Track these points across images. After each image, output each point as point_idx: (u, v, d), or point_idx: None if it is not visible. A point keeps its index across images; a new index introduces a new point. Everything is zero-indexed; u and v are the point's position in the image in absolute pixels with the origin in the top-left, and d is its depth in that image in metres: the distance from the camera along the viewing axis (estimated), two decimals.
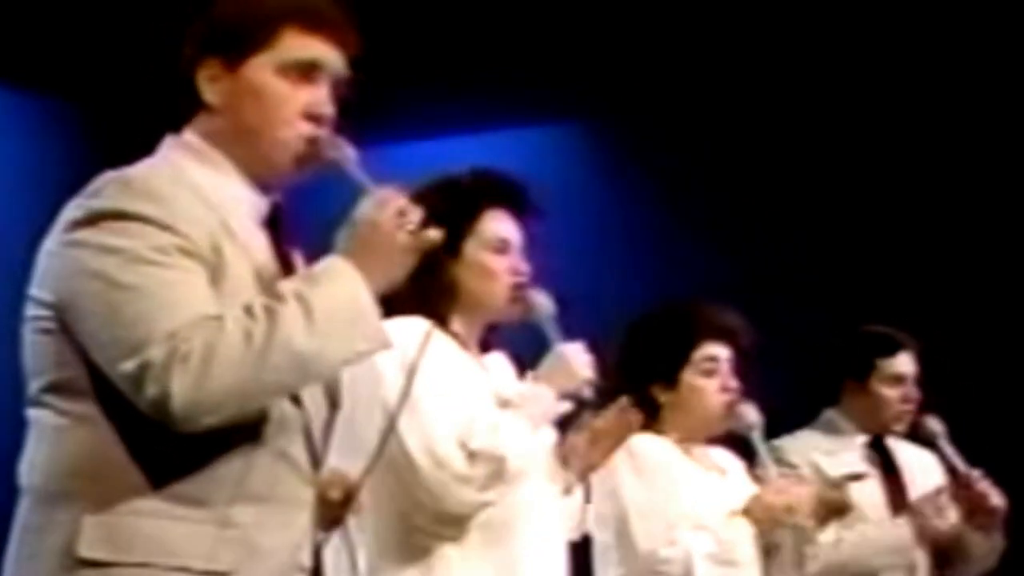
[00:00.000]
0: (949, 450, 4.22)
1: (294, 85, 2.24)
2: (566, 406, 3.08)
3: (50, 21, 5.69)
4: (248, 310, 2.08)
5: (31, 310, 2.18)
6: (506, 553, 3.02)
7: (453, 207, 3.09)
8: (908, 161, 5.99)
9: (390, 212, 2.18)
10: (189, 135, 2.27)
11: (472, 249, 3.12)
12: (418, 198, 3.06)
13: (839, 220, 6.08)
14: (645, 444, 3.63)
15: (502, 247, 3.13)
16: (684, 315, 3.79)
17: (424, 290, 3.02)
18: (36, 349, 2.18)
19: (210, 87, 2.25)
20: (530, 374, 3.11)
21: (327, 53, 2.27)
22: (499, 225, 3.14)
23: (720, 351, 3.76)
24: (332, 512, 2.33)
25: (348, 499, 2.35)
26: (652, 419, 3.68)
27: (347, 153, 2.26)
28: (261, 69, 2.24)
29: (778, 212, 6.18)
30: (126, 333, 2.05)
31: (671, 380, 3.74)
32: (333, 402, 2.29)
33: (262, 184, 2.27)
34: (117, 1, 5.46)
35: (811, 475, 4.14)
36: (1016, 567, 4.42)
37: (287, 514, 2.19)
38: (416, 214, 2.20)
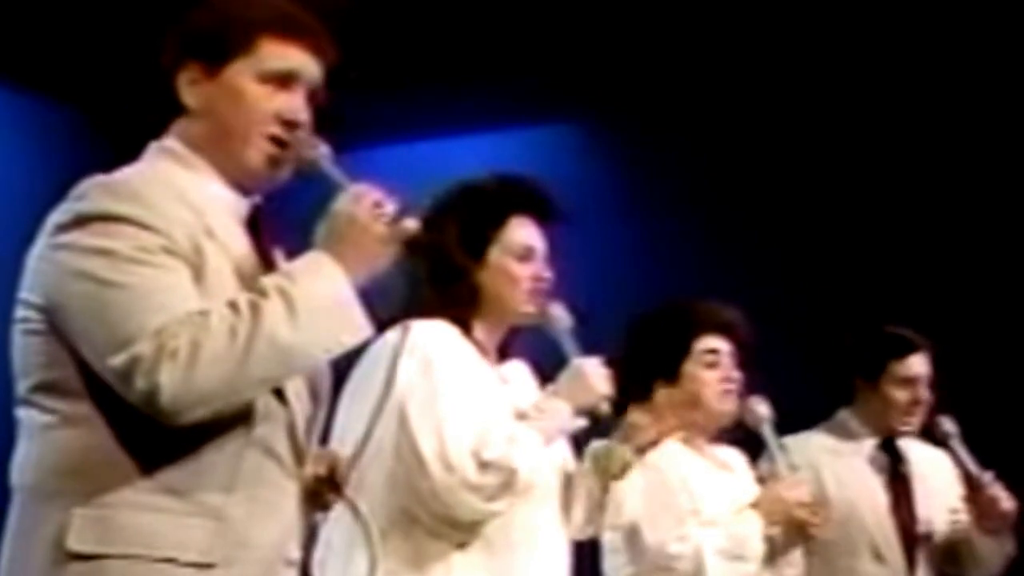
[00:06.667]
0: (962, 451, 4.19)
1: (272, 91, 2.31)
2: (582, 422, 3.09)
3: (60, 26, 5.70)
4: (232, 306, 2.13)
5: (20, 312, 2.23)
6: (506, 562, 3.02)
7: (479, 214, 3.13)
8: (921, 160, 5.98)
9: (366, 205, 2.24)
10: (170, 141, 2.34)
11: (496, 255, 3.14)
12: (442, 204, 3.13)
13: (841, 218, 6.07)
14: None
15: (526, 255, 3.16)
16: (682, 310, 3.81)
17: (449, 295, 3.05)
18: (25, 350, 2.22)
19: (190, 91, 2.31)
20: (547, 388, 3.12)
21: (304, 62, 2.33)
22: (524, 232, 3.17)
23: (720, 344, 3.77)
24: (319, 489, 2.35)
25: (333, 476, 2.38)
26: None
27: (322, 151, 2.32)
28: (241, 75, 2.30)
29: (782, 212, 6.17)
30: (115, 329, 2.10)
31: (672, 375, 3.74)
32: (316, 397, 2.33)
33: (240, 187, 2.32)
34: (129, 10, 5.46)
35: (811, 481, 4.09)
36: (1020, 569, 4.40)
37: (274, 507, 2.24)
38: (391, 206, 2.25)
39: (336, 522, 2.51)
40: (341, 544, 2.85)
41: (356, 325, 2.20)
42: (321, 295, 2.17)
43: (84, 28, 5.67)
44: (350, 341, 2.21)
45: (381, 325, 2.90)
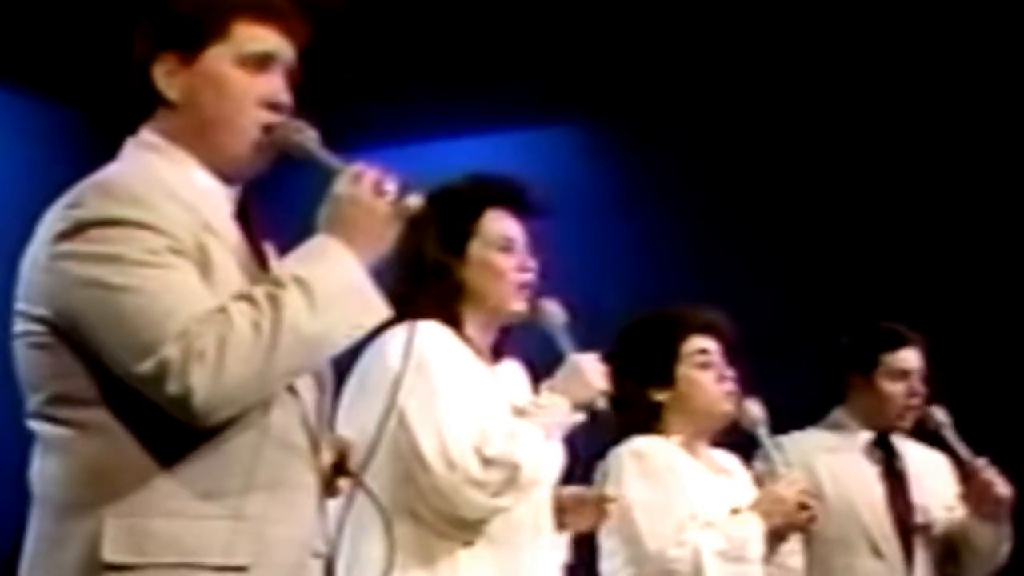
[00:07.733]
0: (955, 440, 4.20)
1: (251, 75, 2.27)
2: (580, 417, 3.09)
3: (60, 26, 5.71)
4: (250, 299, 2.10)
5: (20, 325, 2.18)
6: (512, 556, 3.02)
7: (455, 211, 3.11)
8: (913, 156, 5.98)
9: (367, 185, 2.21)
10: (148, 134, 2.29)
11: (477, 250, 3.14)
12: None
13: (840, 218, 6.08)
14: (651, 446, 3.64)
15: (507, 245, 3.16)
16: (667, 315, 3.81)
17: (436, 295, 3.05)
18: (31, 364, 2.18)
19: (168, 82, 2.27)
20: (545, 384, 3.12)
21: (280, 44, 2.29)
22: (501, 224, 3.17)
23: (709, 344, 3.77)
24: (327, 476, 2.33)
25: (343, 462, 2.36)
26: (654, 422, 3.68)
27: (311, 135, 2.28)
28: (218, 60, 2.26)
29: (781, 212, 6.17)
30: (137, 336, 2.06)
31: (667, 379, 3.74)
32: (320, 385, 2.31)
33: (225, 177, 2.28)
34: (130, 10, 5.46)
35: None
36: (1020, 564, 4.40)
37: (296, 501, 2.22)
38: (393, 183, 2.22)
39: (343, 511, 2.49)
40: (349, 533, 2.81)
41: (374, 307, 2.18)
42: (337, 281, 2.14)
43: (84, 28, 5.67)
44: (370, 323, 2.19)
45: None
